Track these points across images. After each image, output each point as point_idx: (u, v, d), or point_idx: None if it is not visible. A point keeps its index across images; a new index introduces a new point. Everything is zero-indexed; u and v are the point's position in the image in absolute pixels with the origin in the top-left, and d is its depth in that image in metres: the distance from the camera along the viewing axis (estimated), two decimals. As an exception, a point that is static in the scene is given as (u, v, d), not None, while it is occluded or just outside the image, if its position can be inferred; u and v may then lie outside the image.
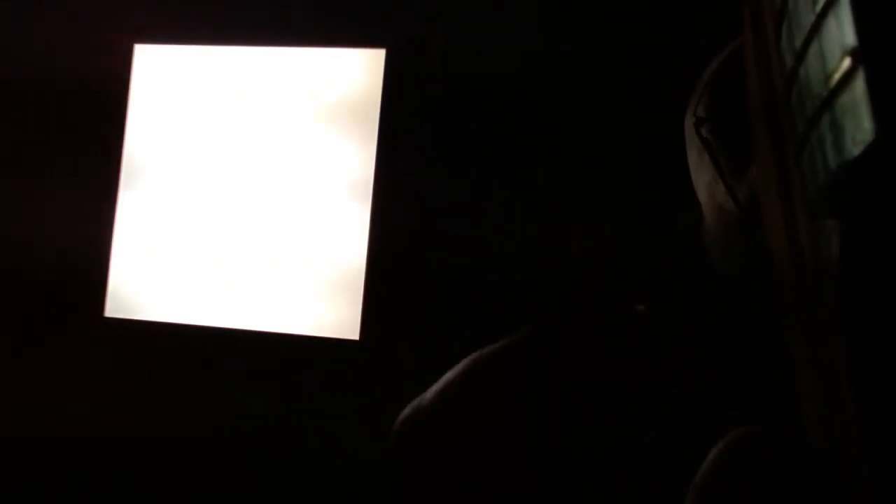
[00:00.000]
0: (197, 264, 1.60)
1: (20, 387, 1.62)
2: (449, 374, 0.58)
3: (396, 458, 0.58)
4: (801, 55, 0.29)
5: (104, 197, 1.65)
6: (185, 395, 1.57)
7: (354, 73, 1.59)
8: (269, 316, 1.56)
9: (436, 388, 0.59)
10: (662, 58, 1.21)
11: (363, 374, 1.52)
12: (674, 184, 0.63)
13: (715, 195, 0.56)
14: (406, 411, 0.59)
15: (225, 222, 1.60)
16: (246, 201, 1.60)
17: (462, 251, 1.51)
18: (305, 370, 1.55)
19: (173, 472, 1.54)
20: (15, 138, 1.71)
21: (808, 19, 0.28)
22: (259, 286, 1.58)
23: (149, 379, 1.60)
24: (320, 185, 1.58)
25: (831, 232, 0.31)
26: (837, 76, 0.27)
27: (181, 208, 1.62)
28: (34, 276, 1.66)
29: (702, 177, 0.58)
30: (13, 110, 1.72)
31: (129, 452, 1.57)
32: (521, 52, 1.46)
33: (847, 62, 0.26)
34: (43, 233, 1.67)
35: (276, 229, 1.58)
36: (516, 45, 1.46)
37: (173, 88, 1.67)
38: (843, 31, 0.26)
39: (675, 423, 0.45)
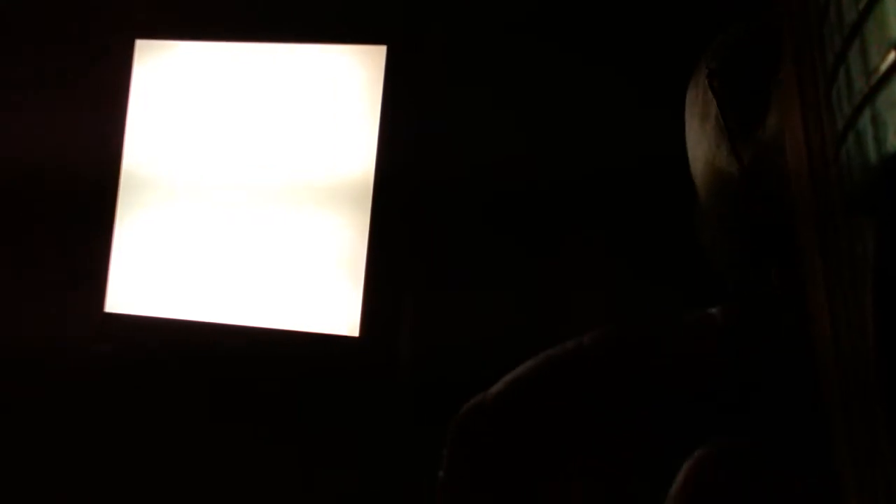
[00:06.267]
0: (197, 260, 1.60)
1: (21, 380, 1.61)
2: (515, 371, 0.58)
3: (454, 446, 0.58)
4: (843, 51, 0.28)
5: (104, 192, 1.64)
6: (184, 389, 1.57)
7: (355, 70, 1.59)
8: (270, 312, 1.56)
9: (500, 384, 0.59)
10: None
11: (363, 370, 1.52)
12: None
13: (715, 160, 0.56)
14: (469, 403, 0.59)
15: (225, 218, 1.60)
16: (246, 197, 1.59)
17: (461, 247, 1.51)
18: (305, 366, 1.54)
19: (172, 466, 1.53)
20: (15, 134, 1.70)
21: (851, 14, 0.28)
22: (260, 282, 1.57)
23: (147, 373, 1.59)
24: (321, 181, 1.57)
25: (868, 229, 0.30)
26: (881, 71, 0.27)
27: (182, 204, 1.62)
28: (37, 272, 1.66)
29: (701, 146, 0.58)
30: (14, 107, 1.72)
31: (129, 446, 1.56)
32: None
33: (891, 56, 0.26)
34: (44, 229, 1.67)
35: (277, 225, 1.58)
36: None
37: (174, 84, 1.66)
38: (887, 25, 0.26)
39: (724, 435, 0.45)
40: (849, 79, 0.29)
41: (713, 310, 0.56)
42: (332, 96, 1.59)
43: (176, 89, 1.66)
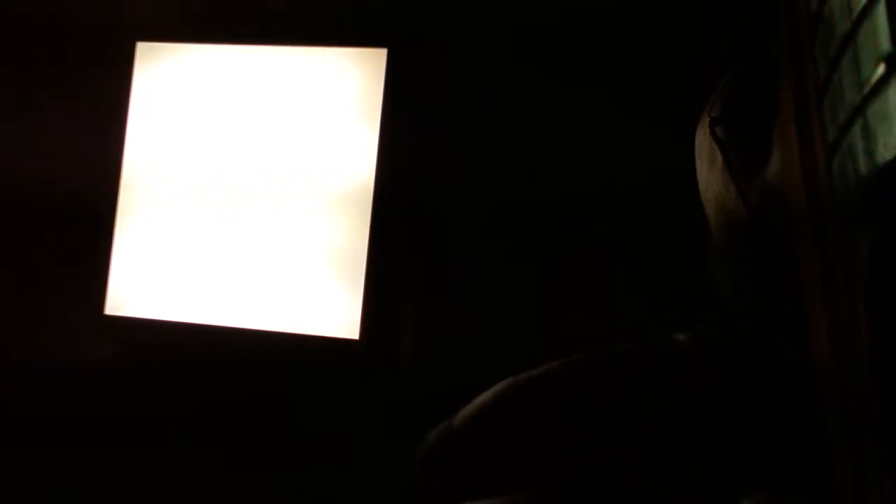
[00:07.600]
0: (197, 263, 1.60)
1: (20, 382, 1.61)
2: (481, 398, 0.58)
3: (422, 478, 0.58)
4: (835, 62, 0.29)
5: (104, 195, 1.65)
6: (184, 392, 1.57)
7: (356, 72, 1.59)
8: (270, 315, 1.56)
9: (466, 411, 0.58)
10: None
11: (363, 373, 1.52)
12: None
13: (724, 203, 0.56)
14: (434, 432, 0.59)
15: (226, 221, 1.60)
16: (246, 199, 1.60)
17: (462, 250, 1.52)
18: (305, 369, 1.54)
19: (171, 471, 1.54)
20: (14, 136, 1.71)
21: (843, 27, 0.28)
22: (260, 285, 1.57)
23: (147, 376, 1.59)
24: (321, 183, 1.58)
25: (861, 239, 0.31)
26: (871, 83, 0.27)
27: (182, 207, 1.62)
28: (37, 273, 1.66)
29: (711, 188, 0.58)
30: (13, 109, 1.72)
31: (128, 448, 1.56)
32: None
33: (881, 69, 0.26)
34: (43, 231, 1.67)
35: (277, 227, 1.58)
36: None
37: (174, 86, 1.66)
38: (878, 38, 0.26)
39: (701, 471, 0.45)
40: (840, 91, 0.29)
41: (700, 333, 0.56)
42: (334, 99, 1.59)
43: (177, 92, 1.66)
